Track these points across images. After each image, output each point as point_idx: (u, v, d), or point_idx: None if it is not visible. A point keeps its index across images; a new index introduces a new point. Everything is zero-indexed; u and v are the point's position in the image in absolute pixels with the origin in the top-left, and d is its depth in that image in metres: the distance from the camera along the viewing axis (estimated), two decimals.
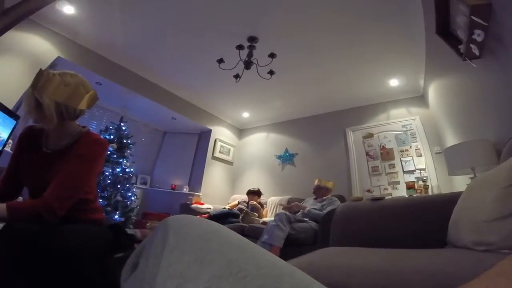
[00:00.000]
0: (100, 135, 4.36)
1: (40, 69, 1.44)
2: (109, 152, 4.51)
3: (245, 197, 5.64)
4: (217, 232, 0.50)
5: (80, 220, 1.46)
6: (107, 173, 4.41)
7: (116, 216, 4.32)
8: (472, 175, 2.46)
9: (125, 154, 4.81)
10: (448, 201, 1.49)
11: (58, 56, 4.15)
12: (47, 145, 1.53)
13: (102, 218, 1.64)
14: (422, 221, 1.63)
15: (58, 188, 1.32)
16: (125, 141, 4.85)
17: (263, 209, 5.43)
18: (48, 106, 1.39)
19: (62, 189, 1.33)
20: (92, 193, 1.60)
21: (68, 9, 3.78)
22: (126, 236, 1.58)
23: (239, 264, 0.42)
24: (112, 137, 4.71)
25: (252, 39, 4.11)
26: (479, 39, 1.96)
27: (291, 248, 3.26)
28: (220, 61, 4.33)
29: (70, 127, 1.54)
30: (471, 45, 2.09)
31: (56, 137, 1.53)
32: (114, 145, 4.61)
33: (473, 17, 1.86)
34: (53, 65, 4.10)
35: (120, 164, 4.64)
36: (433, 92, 4.46)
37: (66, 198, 1.34)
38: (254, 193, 5.52)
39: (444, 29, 2.63)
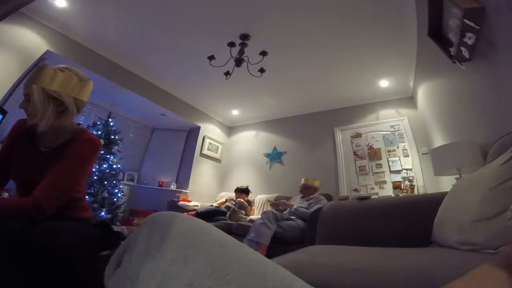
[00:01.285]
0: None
1: (58, 69, 1.44)
2: None
3: (233, 195, 5.62)
4: (201, 229, 0.50)
5: (68, 218, 1.43)
6: (94, 169, 4.36)
7: (103, 213, 4.28)
8: (458, 176, 2.49)
9: (113, 150, 4.77)
10: (433, 201, 1.50)
11: (48, 50, 4.06)
12: (42, 143, 1.49)
13: (90, 217, 1.62)
14: (408, 220, 1.64)
15: (49, 187, 1.29)
16: (112, 137, 4.81)
17: (251, 207, 5.43)
18: (69, 103, 1.43)
19: (53, 188, 1.30)
20: (82, 191, 1.58)
21: (60, 2, 3.73)
22: (114, 234, 1.57)
23: (222, 261, 0.41)
24: (99, 133, 4.66)
25: (244, 37, 4.10)
26: (469, 42, 1.98)
27: (278, 246, 3.27)
28: (211, 58, 4.30)
29: (67, 124, 1.51)
30: (462, 48, 2.10)
31: (53, 135, 1.49)
32: (102, 141, 4.56)
33: (465, 20, 1.88)
34: (42, 59, 4.03)
35: (107, 160, 4.60)
36: (422, 94, 4.50)
37: (56, 197, 1.31)
38: (242, 191, 5.51)
39: (436, 32, 2.65)
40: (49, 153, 1.45)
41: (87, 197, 4.10)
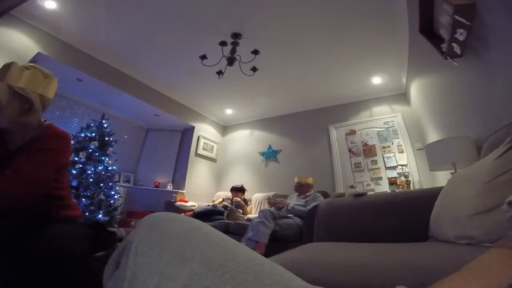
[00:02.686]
0: (82, 133, 4.30)
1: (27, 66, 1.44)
2: (90, 150, 4.44)
3: (229, 194, 5.62)
4: (197, 229, 0.50)
5: (53, 217, 1.42)
6: (89, 172, 4.32)
7: (100, 215, 4.25)
8: (453, 171, 2.50)
9: (107, 152, 4.74)
10: (429, 196, 1.51)
11: (39, 52, 4.02)
12: (10, 142, 1.47)
13: (77, 215, 1.61)
14: (404, 216, 1.65)
15: (17, 182, 1.27)
16: (107, 138, 4.77)
17: (248, 206, 5.43)
18: (34, 100, 1.42)
19: (22, 183, 1.28)
20: (64, 189, 1.56)
21: (50, 4, 3.70)
22: (108, 234, 1.56)
23: (219, 261, 0.41)
24: (93, 134, 4.62)
25: (236, 36, 4.09)
26: (461, 38, 1.99)
27: (277, 244, 3.28)
28: (203, 57, 4.29)
29: (33, 121, 1.49)
30: (453, 44, 2.12)
31: (20, 133, 1.47)
32: (96, 143, 4.53)
33: (456, 17, 1.88)
34: (33, 61, 3.99)
35: (102, 162, 4.56)
36: (415, 90, 4.52)
37: (28, 194, 1.29)
38: (238, 190, 5.50)
39: (427, 28, 2.66)
40: (19, 151, 1.43)
41: (83, 199, 4.08)
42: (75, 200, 1.71)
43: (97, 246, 1.46)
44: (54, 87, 1.57)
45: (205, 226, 0.52)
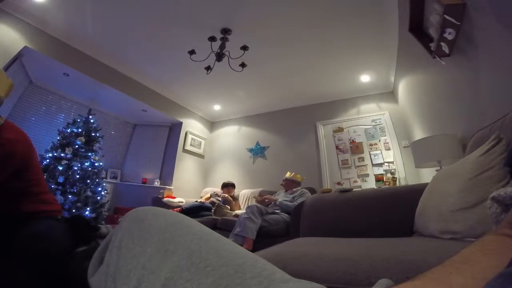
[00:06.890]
0: (68, 128, 4.23)
1: None
2: (77, 146, 4.38)
3: (217, 190, 5.62)
4: (180, 223, 0.50)
5: (27, 213, 1.41)
6: (75, 168, 4.27)
7: (87, 212, 4.21)
8: (438, 168, 2.53)
9: (94, 147, 4.68)
10: (414, 192, 1.53)
11: (25, 46, 3.93)
12: None
13: (54, 210, 1.59)
14: (390, 211, 1.67)
15: None
16: (93, 134, 4.71)
17: (236, 202, 5.43)
18: None
19: None
20: (35, 185, 1.53)
21: None
22: (88, 227, 1.55)
23: (201, 254, 0.41)
24: (80, 130, 4.55)
25: (225, 31, 4.07)
26: (449, 37, 2.02)
27: (265, 240, 3.28)
28: (192, 52, 4.25)
29: None
30: (442, 43, 2.14)
31: None
32: (82, 139, 4.48)
33: (446, 16, 1.91)
34: (19, 55, 3.93)
35: (89, 158, 4.51)
36: (402, 88, 4.57)
37: None
38: (229, 185, 5.52)
39: (417, 27, 2.68)
40: None
41: (70, 196, 4.03)
42: (54, 196, 1.67)
43: (78, 241, 1.44)
44: (4, 84, 1.45)
45: (188, 220, 0.52)
